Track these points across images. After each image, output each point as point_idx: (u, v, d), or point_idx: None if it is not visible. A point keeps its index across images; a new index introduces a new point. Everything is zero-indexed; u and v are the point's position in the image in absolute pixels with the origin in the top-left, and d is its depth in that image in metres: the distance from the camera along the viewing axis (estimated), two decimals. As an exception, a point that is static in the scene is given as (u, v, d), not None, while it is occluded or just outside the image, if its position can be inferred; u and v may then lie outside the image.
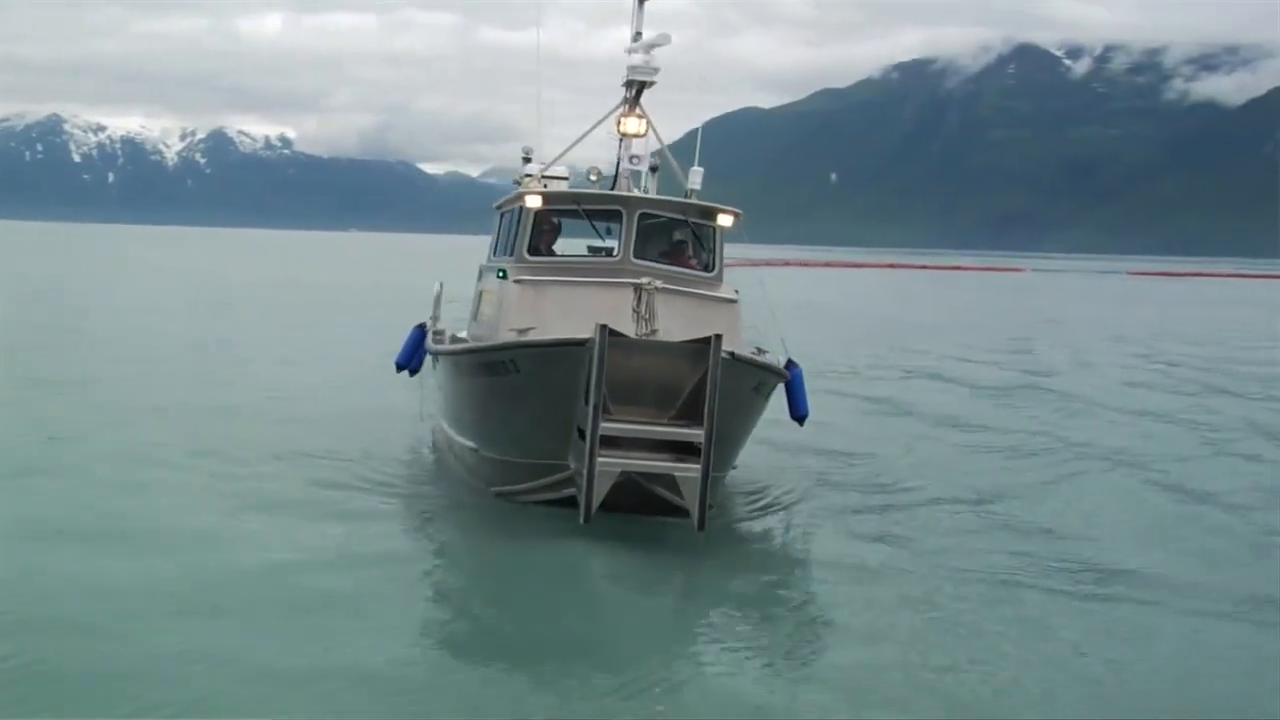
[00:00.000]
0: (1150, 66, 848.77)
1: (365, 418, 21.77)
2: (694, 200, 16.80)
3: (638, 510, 13.67)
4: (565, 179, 18.23)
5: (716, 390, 12.97)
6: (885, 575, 13.21)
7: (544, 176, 17.80)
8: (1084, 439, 22.39)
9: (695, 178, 17.14)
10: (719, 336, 13.07)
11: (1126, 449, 21.46)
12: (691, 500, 13.21)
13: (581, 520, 13.11)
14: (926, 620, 11.65)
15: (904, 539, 14.64)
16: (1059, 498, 17.50)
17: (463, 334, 20.06)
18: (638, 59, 16.54)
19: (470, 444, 15.73)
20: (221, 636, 10.23)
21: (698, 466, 13.09)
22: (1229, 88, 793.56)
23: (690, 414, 13.40)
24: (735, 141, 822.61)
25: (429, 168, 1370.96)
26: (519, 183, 18.81)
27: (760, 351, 14.58)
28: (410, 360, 19.88)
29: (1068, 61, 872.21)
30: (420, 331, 19.89)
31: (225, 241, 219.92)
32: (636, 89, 16.71)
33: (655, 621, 11.86)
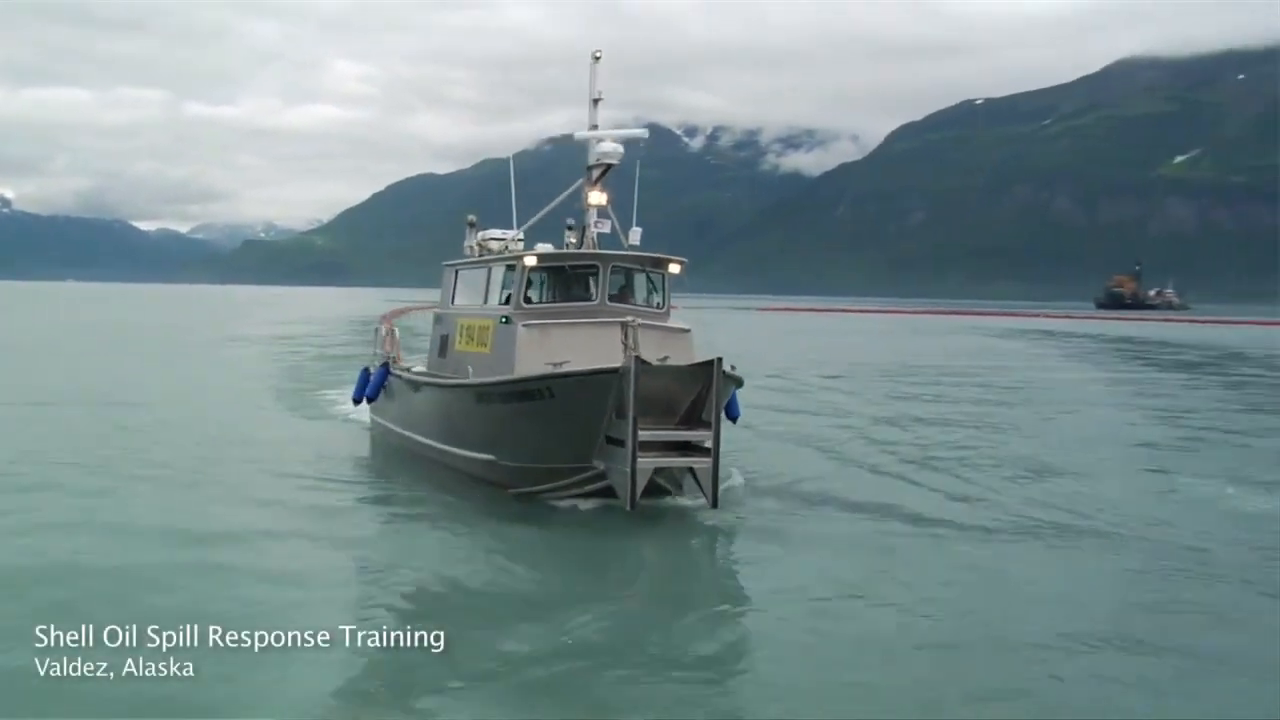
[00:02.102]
0: (750, 144, 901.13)
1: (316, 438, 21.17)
2: (648, 253, 17.78)
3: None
4: (523, 240, 18.83)
5: (722, 400, 14.45)
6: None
7: (514, 240, 18.44)
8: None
9: (635, 236, 18.24)
10: (720, 359, 14.36)
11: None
12: (707, 485, 14.38)
13: (629, 508, 14.06)
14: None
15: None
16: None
17: (419, 368, 20.16)
18: (608, 146, 17.30)
19: (486, 456, 16.09)
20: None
21: (708, 460, 14.27)
22: (809, 162, 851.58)
23: (689, 420, 14.53)
24: (414, 202, 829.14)
25: (142, 225, 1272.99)
26: (482, 245, 19.24)
27: (734, 368, 15.62)
28: (376, 394, 20.28)
29: (686, 139, 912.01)
30: (384, 370, 20.20)
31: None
32: (602, 169, 17.48)
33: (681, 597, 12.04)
